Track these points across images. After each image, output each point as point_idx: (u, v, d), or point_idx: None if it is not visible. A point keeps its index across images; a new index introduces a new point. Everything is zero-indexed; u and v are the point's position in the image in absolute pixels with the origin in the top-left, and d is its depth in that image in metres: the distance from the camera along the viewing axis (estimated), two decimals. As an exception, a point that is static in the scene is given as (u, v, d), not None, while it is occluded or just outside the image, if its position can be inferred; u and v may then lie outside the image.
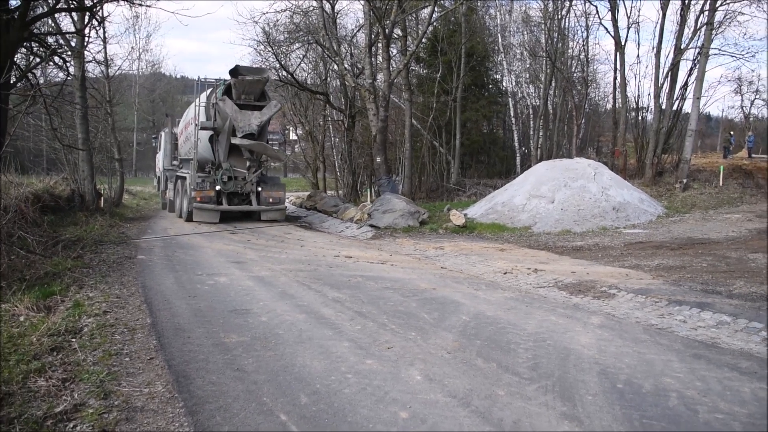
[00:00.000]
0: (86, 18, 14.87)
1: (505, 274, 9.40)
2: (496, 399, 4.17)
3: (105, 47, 18.20)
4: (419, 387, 4.40)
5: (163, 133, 23.68)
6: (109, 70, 19.63)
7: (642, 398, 4.18)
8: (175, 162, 21.51)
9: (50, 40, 13.24)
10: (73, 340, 5.54)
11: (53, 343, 5.34)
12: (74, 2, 12.88)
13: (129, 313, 6.53)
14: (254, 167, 17.00)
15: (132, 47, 35.37)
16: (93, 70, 18.41)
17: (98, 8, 12.88)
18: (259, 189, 17.04)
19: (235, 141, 16.27)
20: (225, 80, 16.68)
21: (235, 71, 16.03)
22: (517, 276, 9.18)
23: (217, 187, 16.40)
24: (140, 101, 40.24)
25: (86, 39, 14.87)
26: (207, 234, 14.26)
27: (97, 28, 15.24)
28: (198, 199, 16.12)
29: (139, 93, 40.36)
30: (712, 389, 4.36)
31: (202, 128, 16.96)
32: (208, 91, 17.35)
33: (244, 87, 16.16)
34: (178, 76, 57.56)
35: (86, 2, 12.71)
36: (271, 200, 17.18)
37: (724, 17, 21.24)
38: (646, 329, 6.05)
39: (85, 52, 15.28)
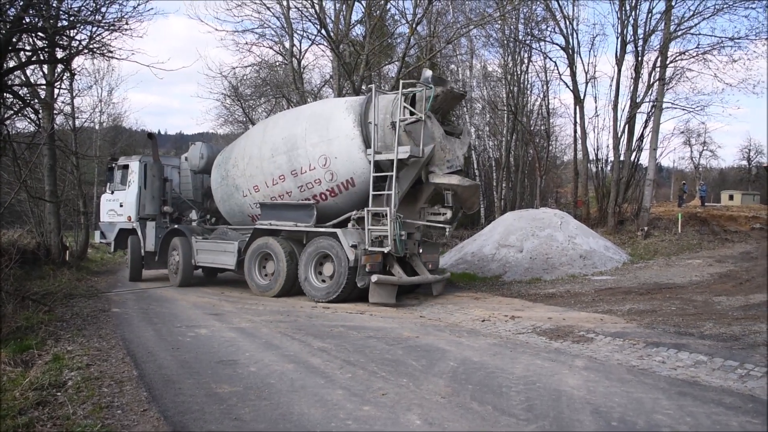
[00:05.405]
0: (57, 70, 14.96)
1: (483, 321, 9.52)
2: (498, 440, 4.24)
3: (72, 99, 18.14)
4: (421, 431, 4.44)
5: (136, 163, 15.26)
6: (76, 122, 19.52)
7: (638, 435, 4.31)
8: (166, 207, 15.22)
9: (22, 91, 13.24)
10: (59, 393, 5.41)
11: (38, 398, 5.21)
12: (46, 55, 12.97)
13: (113, 365, 6.40)
14: (452, 220, 11.78)
15: (100, 100, 35.06)
16: (60, 122, 18.34)
17: (71, 61, 13.03)
18: (420, 251, 12.05)
19: (440, 180, 11.17)
20: (422, 85, 11.28)
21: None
22: (495, 323, 9.31)
23: (386, 249, 11.05)
24: (101, 154, 39.88)
25: (57, 91, 14.88)
26: (178, 287, 14.06)
27: (68, 80, 15.29)
28: (368, 267, 11.03)
29: (101, 146, 39.98)
30: (702, 424, 4.52)
31: (411, 157, 10.86)
32: (385, 98, 11.62)
33: (444, 102, 11.51)
34: (140, 129, 57.67)
35: (58, 55, 12.84)
36: (430, 266, 12.36)
37: (674, 73, 22.53)
38: (629, 370, 6.23)
39: (54, 104, 15.29)
